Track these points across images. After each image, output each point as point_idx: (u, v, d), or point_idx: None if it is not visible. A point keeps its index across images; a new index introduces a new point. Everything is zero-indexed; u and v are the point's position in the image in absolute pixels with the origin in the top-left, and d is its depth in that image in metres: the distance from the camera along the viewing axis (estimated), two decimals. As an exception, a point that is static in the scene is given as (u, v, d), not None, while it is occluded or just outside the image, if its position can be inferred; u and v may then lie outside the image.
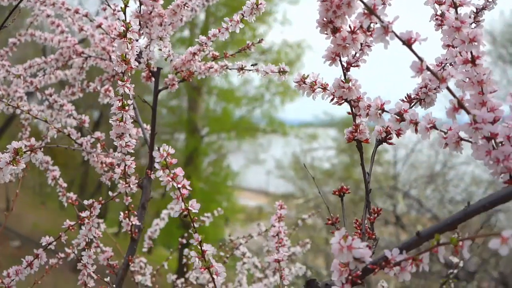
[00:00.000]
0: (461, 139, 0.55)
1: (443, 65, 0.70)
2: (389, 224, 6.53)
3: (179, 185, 0.63)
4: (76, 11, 1.12)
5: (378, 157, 9.59)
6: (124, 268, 1.00)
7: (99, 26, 1.08)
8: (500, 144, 0.52)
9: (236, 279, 1.28)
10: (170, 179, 0.63)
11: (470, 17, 0.71)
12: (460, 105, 0.52)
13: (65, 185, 1.11)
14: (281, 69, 0.83)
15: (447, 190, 6.94)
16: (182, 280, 1.36)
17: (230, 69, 0.98)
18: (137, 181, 0.92)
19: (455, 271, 1.11)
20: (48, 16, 1.22)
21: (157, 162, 0.62)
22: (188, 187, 0.64)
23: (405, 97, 0.70)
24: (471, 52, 0.54)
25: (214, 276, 0.66)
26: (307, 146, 10.74)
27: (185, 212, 0.64)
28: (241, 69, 0.97)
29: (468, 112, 0.52)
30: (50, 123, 0.99)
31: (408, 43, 0.51)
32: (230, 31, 0.90)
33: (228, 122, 11.62)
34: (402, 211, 6.25)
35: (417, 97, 0.70)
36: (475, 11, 0.73)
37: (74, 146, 1.01)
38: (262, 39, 1.01)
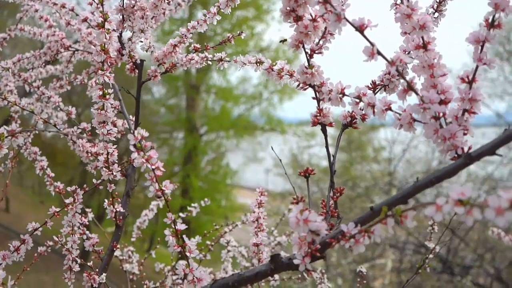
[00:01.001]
0: (414, 120, 0.59)
1: (406, 52, 0.74)
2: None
3: (153, 167, 0.66)
4: (63, 6, 1.15)
5: (376, 155, 9.64)
6: (109, 253, 1.04)
7: (85, 20, 1.11)
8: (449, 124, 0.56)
9: (221, 266, 1.32)
10: (145, 161, 0.66)
11: (432, 6, 0.75)
12: (409, 87, 0.55)
13: (52, 174, 1.14)
14: (258, 60, 0.86)
15: (442, 185, 6.97)
16: (169, 267, 1.40)
17: (210, 60, 1.02)
18: (119, 169, 0.96)
19: (431, 255, 1.14)
20: (36, 10, 1.25)
21: (132, 145, 0.66)
22: (162, 169, 0.67)
23: (370, 84, 0.74)
24: (422, 38, 0.58)
25: (188, 254, 0.69)
26: (305, 143, 10.78)
27: (159, 193, 0.68)
28: (220, 60, 1.00)
29: (417, 94, 0.55)
30: (37, 114, 1.02)
31: (360, 29, 0.55)
32: (208, 23, 0.94)
33: (226, 120, 11.66)
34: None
35: (381, 83, 0.73)
36: (438, 0, 0.76)
37: (61, 135, 1.05)
38: (241, 32, 1.04)
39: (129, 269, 1.30)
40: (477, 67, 0.56)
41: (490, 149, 0.51)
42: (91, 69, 1.26)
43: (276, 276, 1.26)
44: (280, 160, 1.02)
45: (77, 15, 1.16)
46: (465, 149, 0.55)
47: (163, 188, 0.68)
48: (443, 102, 0.57)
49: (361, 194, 7.25)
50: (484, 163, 7.83)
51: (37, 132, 0.97)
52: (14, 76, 1.20)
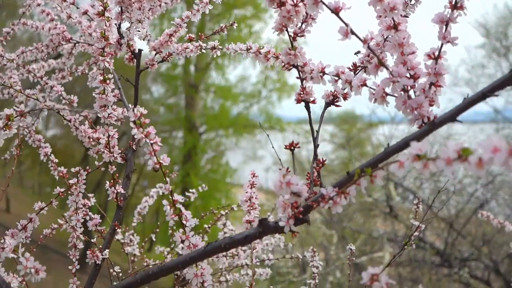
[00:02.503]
0: (386, 94, 0.65)
1: (385, 36, 0.80)
2: (384, 214, 6.65)
3: (152, 141, 0.73)
4: (64, 0, 1.21)
5: (375, 152, 9.70)
6: (111, 232, 1.10)
7: (85, 13, 1.17)
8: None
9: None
10: (144, 136, 0.72)
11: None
12: (380, 63, 0.61)
13: (56, 160, 1.20)
14: (248, 47, 0.92)
15: (439, 180, 7.04)
16: (168, 249, 1.46)
17: (204, 49, 1.08)
18: (120, 151, 1.02)
19: (416, 233, 1.20)
20: (38, 5, 1.31)
21: (132, 121, 0.72)
22: (160, 143, 0.73)
23: (351, 65, 0.80)
24: (393, 19, 0.64)
25: (184, 222, 0.75)
26: (304, 140, 10.84)
27: (157, 166, 0.74)
28: (213, 48, 1.06)
29: (387, 69, 0.62)
30: (41, 102, 1.08)
31: (336, 11, 0.61)
32: (201, 12, 1.00)
33: (225, 119, 11.71)
34: (395, 201, 6.36)
35: (362, 65, 0.79)
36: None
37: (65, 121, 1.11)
38: (234, 22, 1.10)
39: (130, 251, 1.36)
40: (442, 44, 0.62)
41: (451, 116, 0.57)
42: (91, 60, 1.32)
43: (271, 255, 1.32)
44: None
45: (77, 8, 1.22)
46: (431, 118, 0.61)
47: (161, 161, 0.74)
48: (413, 77, 0.63)
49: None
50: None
51: (44, 114, 1.03)
52: (18, 68, 1.26)
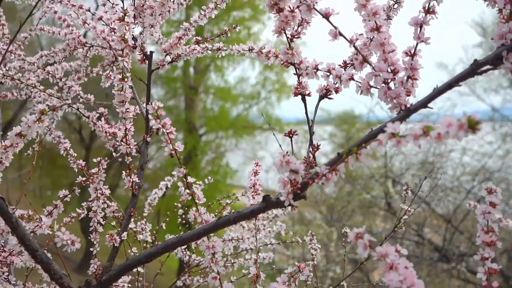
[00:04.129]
0: (370, 86, 0.76)
1: (370, 37, 0.91)
2: (383, 212, 6.76)
3: (168, 131, 0.84)
4: (80, 7, 1.33)
5: (374, 152, 9.82)
6: (127, 218, 1.20)
7: (100, 18, 1.29)
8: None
9: (223, 235, 1.48)
10: (161, 126, 0.83)
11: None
12: (364, 60, 0.73)
13: (75, 154, 1.31)
14: (250, 47, 1.03)
15: (437, 177, 7.15)
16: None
17: (210, 50, 1.19)
18: (136, 143, 1.13)
19: (405, 217, 1.31)
20: (55, 12, 1.42)
21: (150, 113, 0.83)
22: (174, 133, 0.84)
23: (342, 62, 0.91)
24: (376, 22, 0.75)
25: (197, 201, 0.86)
26: (304, 140, 10.94)
27: (173, 151, 0.85)
28: (218, 49, 1.17)
29: (370, 64, 0.73)
30: (62, 100, 1.19)
31: (326, 16, 0.72)
32: (207, 17, 1.11)
33: (225, 120, 11.82)
34: (394, 199, 6.46)
35: (351, 62, 0.90)
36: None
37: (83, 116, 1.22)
38: (236, 25, 1.21)
39: (143, 238, 1.47)
40: (417, 43, 0.73)
41: (423, 104, 0.68)
42: (105, 62, 1.43)
43: (273, 239, 1.43)
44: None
45: (93, 14, 1.33)
46: (407, 106, 0.72)
47: (176, 148, 0.85)
48: (393, 72, 0.74)
49: (359, 188, 7.44)
50: (481, 157, 8.03)
51: (72, 107, 1.13)
52: (38, 69, 1.37)
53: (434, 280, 7.03)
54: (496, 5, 0.69)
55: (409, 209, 1.31)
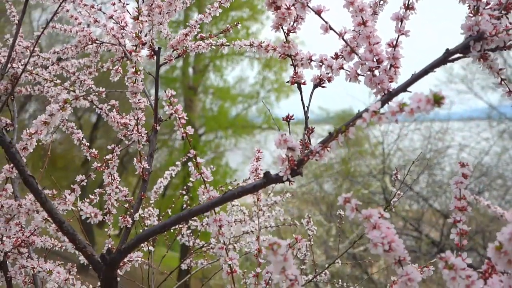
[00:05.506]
0: (358, 74, 0.86)
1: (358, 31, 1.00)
2: (381, 207, 6.87)
3: (179, 116, 0.94)
4: (92, 6, 1.42)
5: (374, 150, 9.95)
6: (138, 201, 1.31)
7: (111, 17, 1.39)
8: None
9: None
10: (173, 112, 0.93)
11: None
12: (352, 50, 0.83)
13: (88, 144, 1.41)
14: (251, 43, 1.13)
15: (434, 173, 7.27)
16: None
17: (213, 46, 1.29)
18: (146, 132, 1.23)
19: (395, 199, 1.41)
20: (67, 11, 1.52)
21: (164, 100, 0.93)
22: (185, 117, 0.94)
23: (334, 54, 1.01)
24: (362, 17, 0.85)
25: (205, 179, 0.96)
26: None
27: (184, 134, 0.95)
28: (221, 45, 1.27)
29: (357, 54, 0.83)
30: (77, 93, 1.29)
31: (318, 12, 0.82)
32: (212, 15, 1.21)
33: (224, 120, 11.91)
34: (390, 193, 6.57)
35: (341, 54, 1.00)
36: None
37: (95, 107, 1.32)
38: (238, 23, 1.32)
39: (150, 223, 1.57)
40: (398, 36, 0.83)
41: (402, 89, 0.78)
42: (115, 57, 1.53)
43: (272, 223, 1.53)
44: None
45: (104, 13, 1.43)
46: (390, 90, 0.82)
47: (187, 131, 0.95)
48: (378, 61, 0.84)
49: (358, 185, 7.56)
50: (480, 154, 8.16)
51: (86, 99, 1.23)
52: (53, 64, 1.47)
53: (432, 275, 7.14)
54: (467, 2, 0.79)
55: (398, 192, 1.41)
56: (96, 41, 1.53)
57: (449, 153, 7.86)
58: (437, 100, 0.59)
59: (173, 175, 1.77)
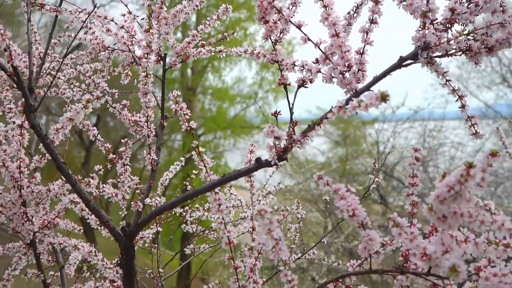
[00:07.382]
0: (332, 76, 1.05)
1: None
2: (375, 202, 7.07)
3: (184, 112, 1.12)
4: (105, 17, 1.61)
5: (371, 149, 10.14)
6: (147, 188, 1.49)
7: (122, 27, 1.57)
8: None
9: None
10: (179, 109, 1.12)
11: (352, 9, 1.20)
12: (326, 57, 1.01)
13: (102, 139, 1.60)
14: (246, 50, 1.32)
15: (428, 170, 7.47)
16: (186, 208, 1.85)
17: (213, 52, 1.48)
18: (155, 127, 1.41)
19: (374, 185, 1.60)
20: (83, 21, 1.71)
21: (171, 99, 1.11)
22: (189, 114, 1.13)
23: (315, 59, 1.20)
24: (335, 30, 1.03)
25: (206, 165, 1.15)
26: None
27: (188, 127, 1.13)
28: (220, 51, 1.46)
29: (330, 61, 1.01)
30: (93, 92, 1.47)
31: (299, 27, 1.01)
32: (211, 26, 1.40)
33: (223, 120, 12.08)
34: (384, 189, 6.76)
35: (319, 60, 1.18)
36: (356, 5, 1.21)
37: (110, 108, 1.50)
38: (234, 31, 1.50)
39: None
40: (364, 45, 1.02)
41: (366, 88, 0.97)
42: (125, 62, 1.71)
43: (271, 205, 1.71)
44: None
45: (116, 24, 1.62)
46: (357, 90, 1.00)
47: (191, 125, 1.13)
48: (348, 66, 1.03)
49: (354, 183, 7.75)
50: (473, 152, 8.36)
51: (100, 98, 1.42)
52: (71, 69, 1.65)
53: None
54: (418, 18, 0.97)
55: (377, 179, 1.60)
56: (108, 48, 1.72)
57: (443, 151, 8.06)
58: (383, 97, 0.77)
59: (178, 169, 1.95)
